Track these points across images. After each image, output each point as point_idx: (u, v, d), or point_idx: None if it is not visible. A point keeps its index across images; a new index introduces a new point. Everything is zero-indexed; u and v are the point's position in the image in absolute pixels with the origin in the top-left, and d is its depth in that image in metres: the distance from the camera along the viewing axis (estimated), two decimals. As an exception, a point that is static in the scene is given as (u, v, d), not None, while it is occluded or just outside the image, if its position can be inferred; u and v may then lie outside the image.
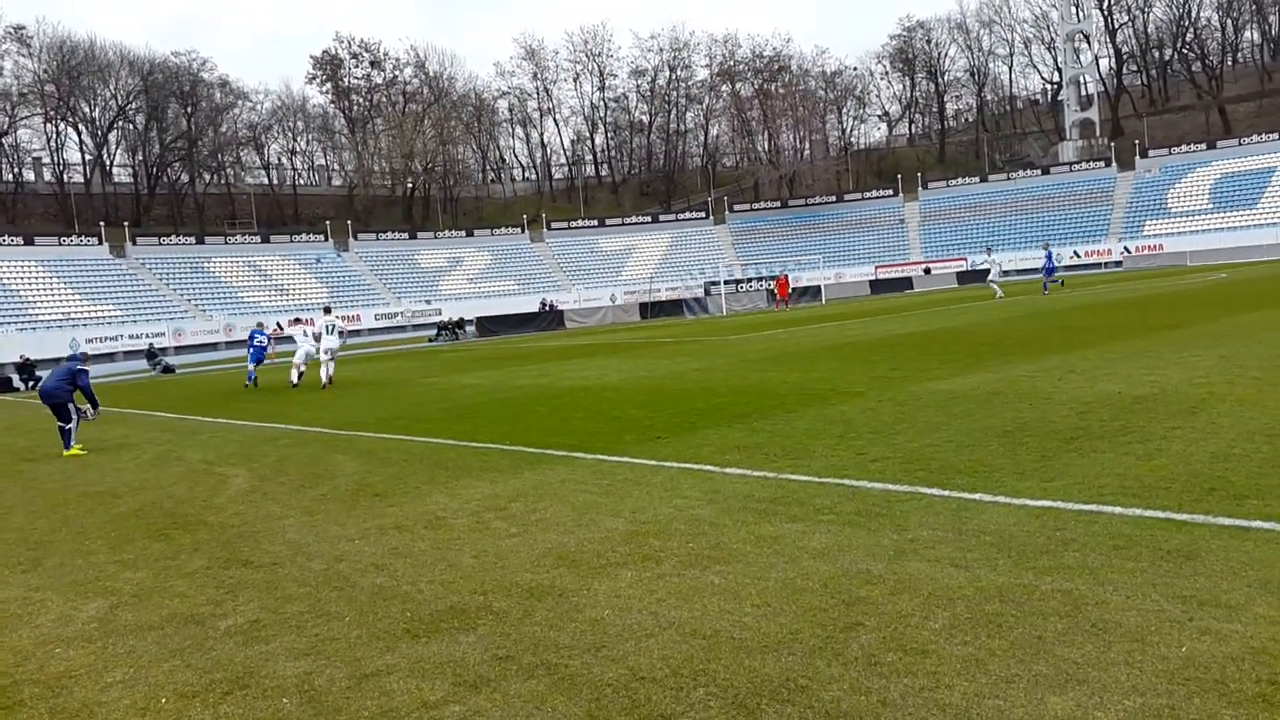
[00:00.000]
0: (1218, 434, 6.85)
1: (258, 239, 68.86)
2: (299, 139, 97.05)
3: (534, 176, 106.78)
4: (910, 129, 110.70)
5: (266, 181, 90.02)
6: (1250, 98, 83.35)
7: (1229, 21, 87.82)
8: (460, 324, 43.88)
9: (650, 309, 48.16)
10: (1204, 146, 69.70)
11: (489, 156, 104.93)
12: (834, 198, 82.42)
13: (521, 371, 19.17)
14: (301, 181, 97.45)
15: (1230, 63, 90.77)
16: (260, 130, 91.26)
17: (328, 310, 20.34)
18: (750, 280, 56.45)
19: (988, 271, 39.73)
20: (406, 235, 75.24)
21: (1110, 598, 4.07)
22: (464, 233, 77.35)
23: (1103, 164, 73.40)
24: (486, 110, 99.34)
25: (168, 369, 32.74)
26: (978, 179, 79.40)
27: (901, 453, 7.20)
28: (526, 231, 78.74)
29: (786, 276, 43.46)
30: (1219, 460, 6.08)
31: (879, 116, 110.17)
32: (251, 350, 21.17)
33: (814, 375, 13.28)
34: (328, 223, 73.41)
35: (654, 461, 7.76)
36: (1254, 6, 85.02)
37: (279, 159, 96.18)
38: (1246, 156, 66.08)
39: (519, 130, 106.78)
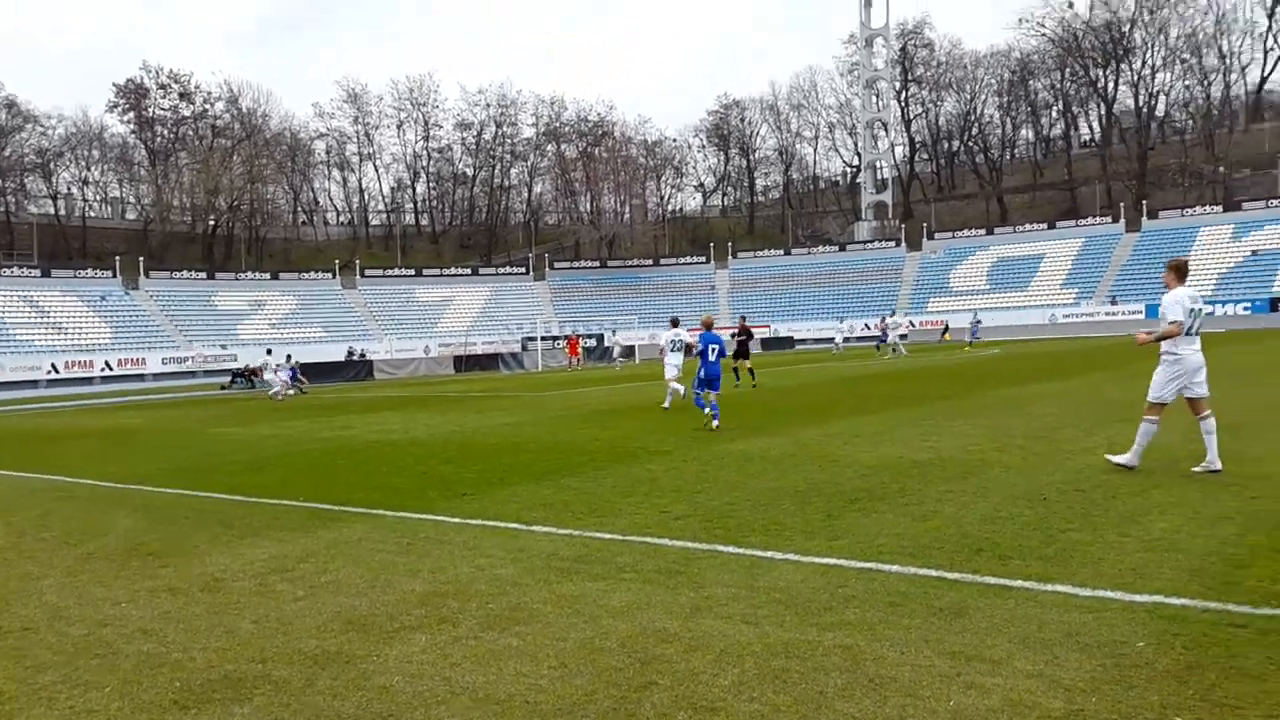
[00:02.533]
0: (987, 497, 7.45)
1: (37, 272, 62.19)
2: (93, 168, 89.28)
3: (350, 221, 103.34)
4: (723, 200, 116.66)
5: (52, 211, 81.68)
6: (1025, 189, 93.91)
7: (1008, 120, 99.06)
8: (252, 372, 40.11)
9: (465, 362, 47.39)
10: (984, 231, 77.53)
11: (302, 198, 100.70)
12: (651, 261, 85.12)
13: (325, 423, 18.37)
14: (92, 213, 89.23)
15: (1009, 157, 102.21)
16: (50, 157, 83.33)
17: None
18: (565, 337, 56.94)
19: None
20: (204, 275, 70.46)
21: (886, 653, 4.32)
22: (269, 275, 73.35)
23: (893, 243, 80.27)
24: (302, 150, 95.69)
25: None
26: (782, 251, 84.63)
27: (703, 511, 7.41)
28: (338, 277, 75.76)
29: (578, 337, 44.42)
30: (987, 522, 6.61)
31: (695, 187, 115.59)
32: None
33: (625, 433, 13.47)
34: (117, 258, 67.41)
35: (458, 519, 7.58)
36: (1029, 109, 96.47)
37: (69, 188, 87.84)
38: (1020, 242, 74.09)
39: (336, 173, 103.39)
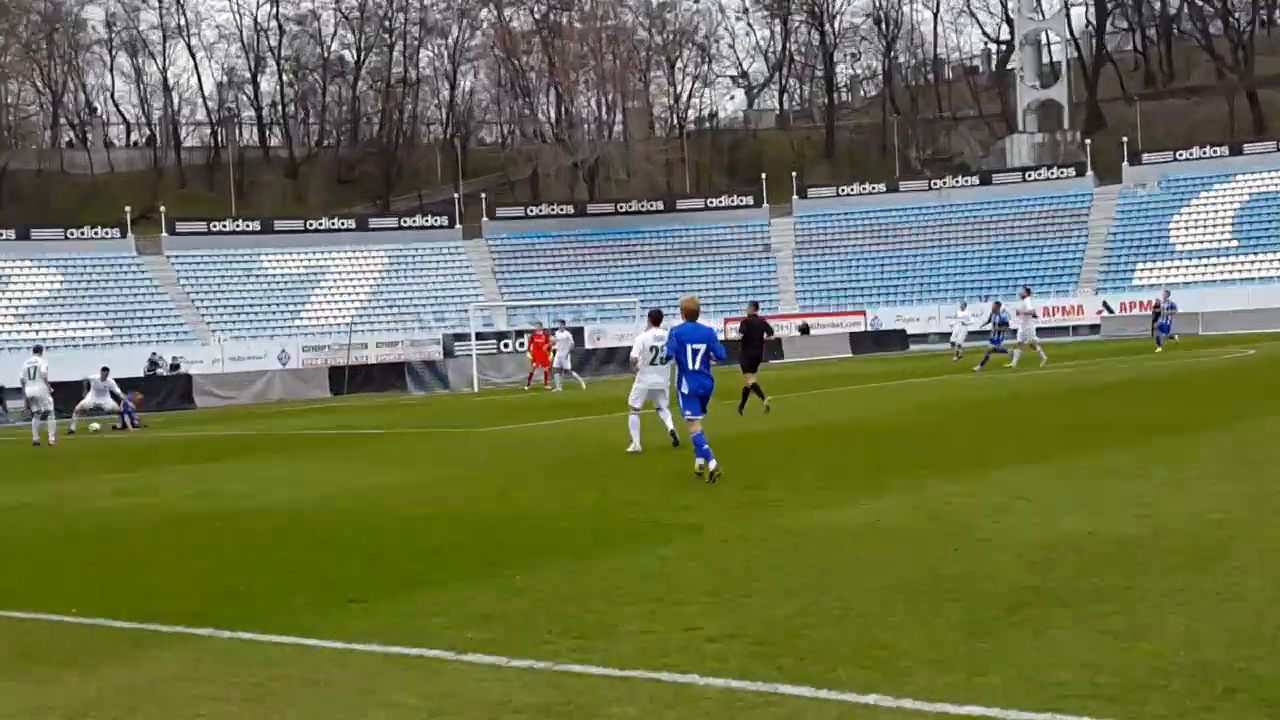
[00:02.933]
0: (1241, 601, 7.37)
1: None
2: None
3: (149, 141, 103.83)
4: (781, 102, 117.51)
5: None
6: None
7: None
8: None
9: (349, 377, 47.38)
10: (1225, 151, 77.44)
11: (66, 102, 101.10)
12: (660, 204, 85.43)
13: (111, 480, 18.30)
14: None
15: (1265, 28, 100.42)
16: None
17: None
18: (523, 334, 56.91)
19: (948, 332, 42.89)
20: (-97, 233, 70.67)
21: None
22: (13, 233, 73.54)
23: (1072, 172, 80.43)
24: (66, 23, 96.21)
25: None
26: (884, 186, 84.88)
27: (756, 626, 7.36)
28: (130, 234, 75.99)
29: (546, 332, 44.22)
30: (1242, 643, 6.50)
31: (733, 79, 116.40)
32: None
33: (622, 495, 13.44)
34: None
35: (341, 642, 7.55)
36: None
37: None
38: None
39: (124, 60, 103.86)
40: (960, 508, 11.28)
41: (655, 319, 18.13)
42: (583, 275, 79.17)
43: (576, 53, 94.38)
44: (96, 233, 75.03)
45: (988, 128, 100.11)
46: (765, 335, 24.27)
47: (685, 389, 14.55)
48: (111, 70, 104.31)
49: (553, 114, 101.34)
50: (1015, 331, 37.59)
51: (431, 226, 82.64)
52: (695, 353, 14.51)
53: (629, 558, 9.80)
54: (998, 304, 39.42)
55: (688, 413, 14.55)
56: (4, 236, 72.64)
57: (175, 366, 52.76)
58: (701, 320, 15.18)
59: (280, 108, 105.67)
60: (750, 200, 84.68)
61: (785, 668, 6.54)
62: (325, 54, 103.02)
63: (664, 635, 7.30)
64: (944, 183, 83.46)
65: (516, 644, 7.29)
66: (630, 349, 18.41)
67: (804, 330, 66.97)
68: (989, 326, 38.69)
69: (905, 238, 79.27)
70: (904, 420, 21.04)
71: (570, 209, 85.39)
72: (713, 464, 13.76)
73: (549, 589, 8.78)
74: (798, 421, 21.28)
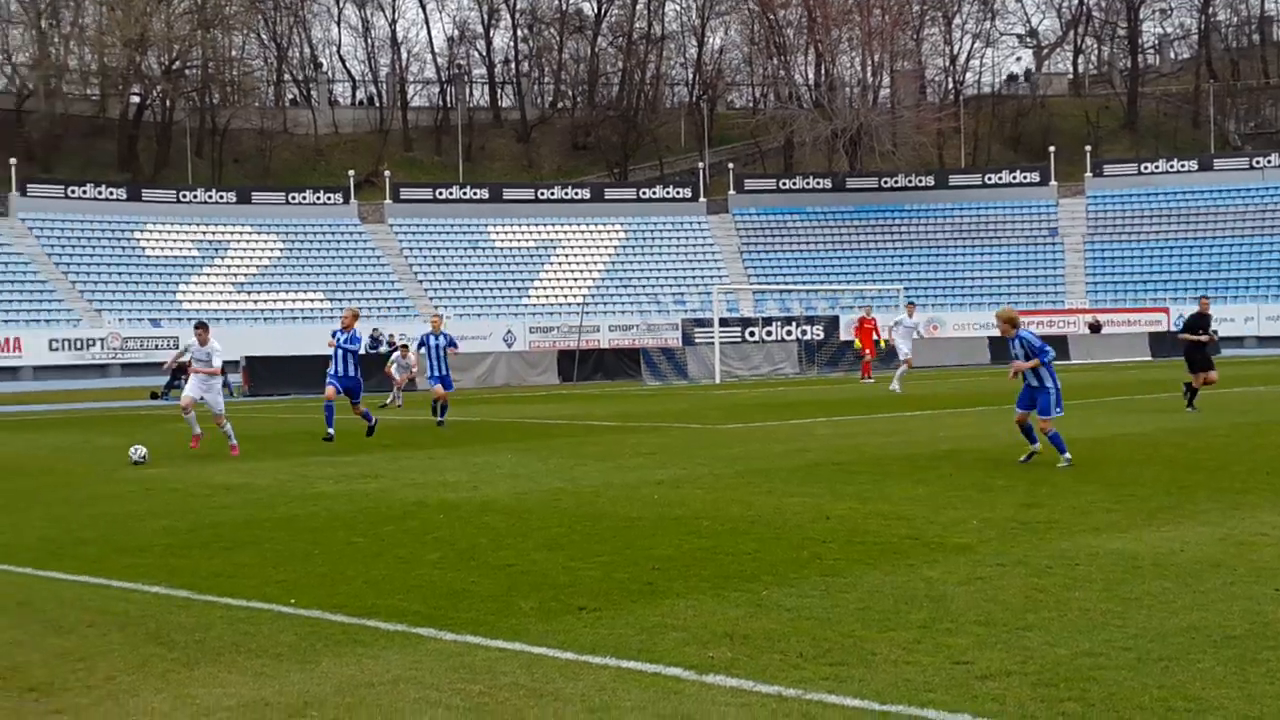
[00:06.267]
0: None
1: None
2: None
3: (374, 100, 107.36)
4: (1076, 64, 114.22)
5: None
6: None
7: None
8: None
9: (579, 362, 48.20)
10: None
11: (290, 58, 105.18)
12: (931, 179, 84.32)
13: (329, 467, 18.98)
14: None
15: None
16: None
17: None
18: (774, 321, 57.03)
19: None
20: (122, 193, 74.93)
21: None
22: (234, 195, 77.26)
23: None
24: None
25: None
26: (1194, 163, 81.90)
27: (1036, 665, 7.24)
28: (353, 200, 78.92)
29: (874, 318, 42.84)
30: None
31: (1020, 38, 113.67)
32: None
33: (881, 507, 13.39)
34: (-32, 161, 72.84)
35: (571, 653, 7.70)
36: None
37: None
38: None
39: (352, 12, 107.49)
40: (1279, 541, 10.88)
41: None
42: (839, 257, 78.77)
43: (840, 7, 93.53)
44: (319, 197, 78.13)
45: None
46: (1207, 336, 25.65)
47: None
48: (339, 23, 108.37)
49: (811, 76, 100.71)
50: None
51: (673, 198, 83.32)
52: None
53: (888, 577, 9.73)
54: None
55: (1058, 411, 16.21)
56: (225, 199, 76.33)
57: (393, 344, 54.44)
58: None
59: (513, 65, 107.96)
60: (1035, 177, 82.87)
61: (1071, 714, 6.42)
62: (563, 7, 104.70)
63: (928, 667, 7.25)
64: (1268, 161, 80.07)
65: (763, 667, 7.33)
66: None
67: (1094, 328, 65.20)
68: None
69: (1219, 224, 76.43)
70: (1212, 438, 20.27)
71: (827, 182, 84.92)
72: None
73: (798, 607, 8.78)
74: (1084, 432, 20.72)
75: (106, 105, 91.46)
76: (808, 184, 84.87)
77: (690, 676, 7.18)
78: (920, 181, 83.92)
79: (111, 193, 74.52)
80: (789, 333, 58.10)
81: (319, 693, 7.07)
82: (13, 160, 72.96)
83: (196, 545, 12.09)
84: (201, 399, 21.75)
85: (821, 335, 56.97)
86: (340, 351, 22.93)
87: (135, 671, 7.58)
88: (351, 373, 23.02)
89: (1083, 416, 23.85)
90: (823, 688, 6.92)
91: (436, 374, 26.46)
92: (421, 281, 74.52)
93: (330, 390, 22.81)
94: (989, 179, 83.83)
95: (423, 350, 27.44)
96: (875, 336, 41.46)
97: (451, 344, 26.81)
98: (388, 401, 34.42)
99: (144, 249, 71.99)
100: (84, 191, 73.84)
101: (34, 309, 64.47)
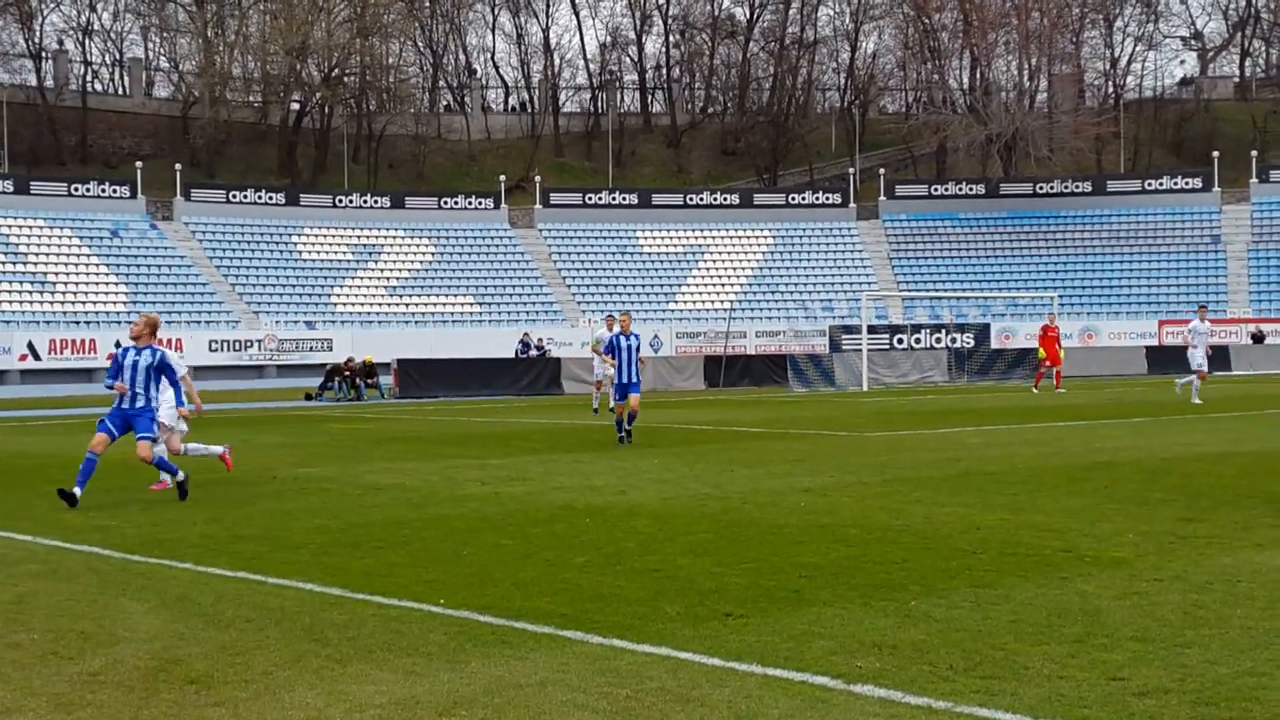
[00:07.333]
0: None
1: (8, 185, 70.60)
2: (99, 10, 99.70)
3: (526, 106, 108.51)
4: (1243, 67, 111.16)
5: (36, 83, 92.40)
6: None
7: None
8: (370, 372, 44.33)
9: (726, 367, 48.24)
10: None
11: (445, 65, 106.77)
12: (1089, 185, 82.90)
13: (477, 469, 19.21)
14: (98, 88, 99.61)
15: None
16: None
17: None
18: (923, 328, 56.52)
19: None
20: (281, 198, 76.74)
21: None
22: (388, 200, 78.68)
23: None
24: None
25: None
26: (1370, 170, 79.54)
27: (1196, 684, 7.09)
28: (504, 205, 79.88)
29: (1057, 325, 41.79)
30: None
31: (1184, 40, 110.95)
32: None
33: (1034, 518, 13.23)
34: (139, 165, 75.11)
35: (718, 659, 7.71)
36: None
37: (60, 41, 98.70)
38: None
39: (506, 19, 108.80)
40: None
41: None
42: (993, 264, 77.81)
43: (998, 10, 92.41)
44: (470, 202, 79.24)
45: None
46: None
47: None
48: (493, 30, 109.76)
49: (965, 80, 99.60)
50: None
51: (822, 204, 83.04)
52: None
53: (1041, 590, 9.61)
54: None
55: None
56: (379, 204, 77.77)
57: (543, 349, 55.05)
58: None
59: (664, 71, 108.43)
60: (1198, 183, 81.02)
61: (1231, 735, 6.27)
62: (715, 12, 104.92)
63: (1083, 683, 7.14)
64: None
65: (911, 678, 7.28)
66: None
67: (1257, 338, 63.60)
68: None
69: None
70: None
71: (981, 188, 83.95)
72: None
73: (948, 618, 8.72)
74: (1245, 446, 20.22)
75: (267, 112, 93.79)
76: (960, 190, 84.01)
77: (837, 686, 7.16)
78: (1077, 187, 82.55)
79: (271, 197, 76.45)
80: (938, 340, 57.70)
81: (468, 692, 7.18)
82: (178, 166, 75.31)
83: (348, 544, 12.36)
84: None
85: (972, 343, 56.36)
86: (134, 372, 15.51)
87: (290, 667, 7.77)
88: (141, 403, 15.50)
89: (1243, 429, 23.29)
90: (974, 700, 6.86)
91: (630, 380, 23.20)
92: (569, 286, 75.17)
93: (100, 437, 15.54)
94: (1149, 185, 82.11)
95: (610, 355, 23.98)
96: (1059, 345, 40.68)
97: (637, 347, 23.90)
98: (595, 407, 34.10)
99: (300, 252, 73.65)
100: (244, 196, 75.89)
101: (196, 310, 66.33)
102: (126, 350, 15.65)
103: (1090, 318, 69.19)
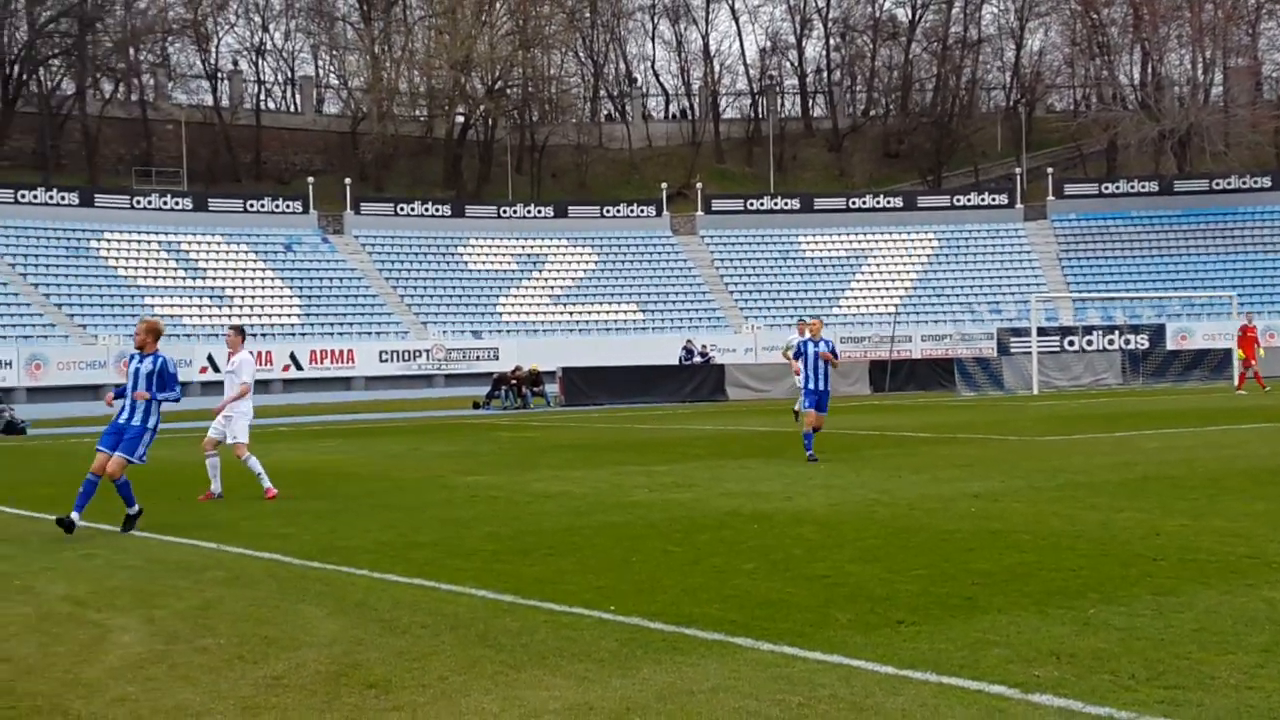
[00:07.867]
0: None
1: (187, 203, 72.72)
2: (271, 28, 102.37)
3: (686, 114, 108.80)
4: None
5: (212, 103, 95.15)
6: None
7: None
8: (536, 380, 44.83)
9: (891, 372, 47.84)
10: None
11: (605, 74, 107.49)
12: (1268, 180, 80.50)
13: (643, 476, 19.35)
14: (271, 106, 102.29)
15: None
16: (210, 9, 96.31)
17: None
18: (1095, 330, 55.46)
19: None
20: (448, 211, 78.04)
21: None
22: (551, 210, 79.46)
23: None
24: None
25: (13, 426, 34.70)
26: None
27: (1394, 696, 6.85)
28: (666, 213, 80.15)
29: (1255, 325, 40.89)
30: None
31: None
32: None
33: (1216, 523, 12.98)
34: (310, 181, 76.91)
35: (890, 668, 7.67)
36: None
37: (234, 61, 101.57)
38: None
39: (664, 28, 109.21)
40: None
41: None
42: (1167, 263, 75.91)
43: (1169, 3, 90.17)
44: (632, 210, 79.69)
45: None
46: None
47: None
48: (653, 38, 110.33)
49: (1136, 75, 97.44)
50: None
51: (988, 205, 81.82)
52: None
53: (1226, 597, 9.39)
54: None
55: None
56: (543, 214, 78.62)
57: (707, 356, 55.07)
58: None
59: (825, 74, 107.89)
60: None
61: None
62: (876, 14, 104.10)
63: (1272, 693, 6.96)
64: None
65: (1092, 688, 7.16)
66: None
67: None
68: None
69: None
70: None
71: (1154, 186, 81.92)
72: None
73: (1129, 627, 8.57)
74: None
75: (433, 125, 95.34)
76: (1132, 188, 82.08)
77: (1015, 695, 7.07)
78: (1256, 183, 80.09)
79: (437, 209, 77.69)
80: (1111, 342, 56.64)
81: (640, 699, 7.22)
82: (348, 180, 76.92)
83: (519, 551, 12.50)
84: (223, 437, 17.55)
85: (1147, 344, 55.17)
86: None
87: (466, 671, 7.90)
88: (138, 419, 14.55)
89: None
90: (1157, 710, 6.72)
91: (819, 388, 21.66)
92: (732, 292, 75.13)
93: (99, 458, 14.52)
94: (1323, 182, 79.64)
95: (800, 360, 22.21)
96: (1258, 345, 39.72)
97: (832, 350, 22.12)
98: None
99: (466, 263, 74.72)
100: (412, 209, 77.21)
101: (366, 322, 67.71)
102: (132, 358, 14.76)
103: (1272, 316, 67.15)
